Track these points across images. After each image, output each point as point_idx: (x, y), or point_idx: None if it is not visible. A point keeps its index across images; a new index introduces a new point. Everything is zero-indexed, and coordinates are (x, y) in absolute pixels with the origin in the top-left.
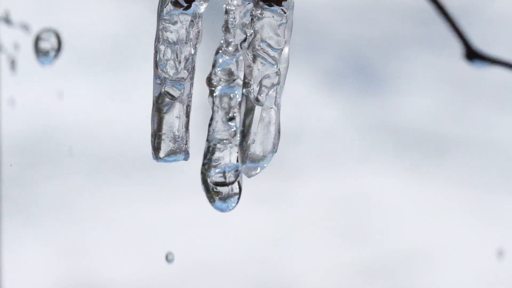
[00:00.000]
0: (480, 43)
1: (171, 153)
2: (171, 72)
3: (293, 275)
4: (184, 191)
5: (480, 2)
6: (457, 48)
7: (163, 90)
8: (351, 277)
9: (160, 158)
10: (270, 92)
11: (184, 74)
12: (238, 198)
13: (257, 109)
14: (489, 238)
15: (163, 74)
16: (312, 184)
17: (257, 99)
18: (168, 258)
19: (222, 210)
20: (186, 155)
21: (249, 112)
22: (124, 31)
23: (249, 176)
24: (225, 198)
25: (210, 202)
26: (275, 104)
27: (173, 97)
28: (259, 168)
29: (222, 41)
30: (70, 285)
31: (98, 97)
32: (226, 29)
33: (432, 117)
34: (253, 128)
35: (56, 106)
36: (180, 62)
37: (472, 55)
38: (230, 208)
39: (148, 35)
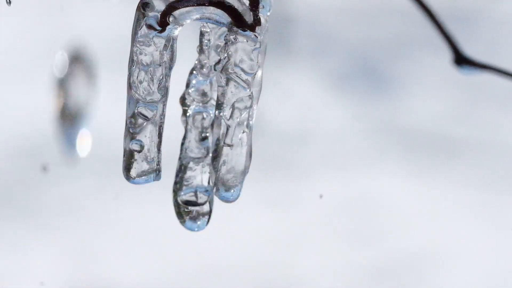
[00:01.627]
0: (486, 45)
1: (143, 174)
2: (144, 94)
3: (301, 277)
4: None
5: (487, 3)
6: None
7: (136, 111)
8: (359, 279)
9: (132, 178)
10: (242, 115)
11: (157, 96)
12: (208, 219)
13: (230, 131)
14: (497, 239)
15: (136, 95)
16: (320, 186)
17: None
18: None
19: (191, 229)
20: (158, 176)
21: (220, 139)
22: (126, 34)
23: (228, 202)
24: (195, 218)
25: (180, 222)
26: (247, 127)
27: (146, 118)
28: (232, 196)
29: (196, 62)
30: None
31: (106, 99)
32: (201, 50)
33: (440, 119)
34: (225, 150)
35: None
36: (153, 84)
37: (461, 60)
38: (200, 228)
39: None
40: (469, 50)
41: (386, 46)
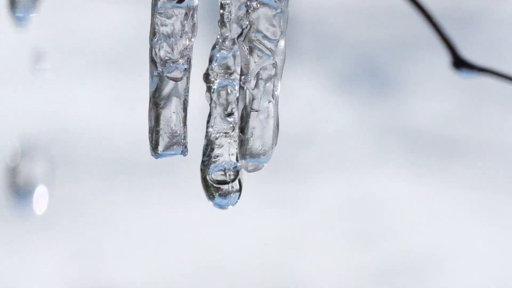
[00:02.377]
0: (486, 47)
1: (169, 146)
2: (169, 62)
3: (305, 278)
4: (195, 195)
5: (488, 5)
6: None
7: (165, 74)
8: (363, 280)
9: (158, 153)
10: (267, 85)
11: (182, 62)
12: (239, 195)
13: (255, 102)
14: (501, 240)
15: (161, 60)
16: (324, 187)
17: (252, 108)
18: None
19: (222, 206)
20: (185, 150)
21: (247, 106)
22: (134, 35)
23: (249, 171)
24: (225, 195)
25: (210, 199)
26: (272, 97)
27: (176, 79)
28: (260, 164)
29: (218, 36)
30: None
31: (110, 100)
32: (222, 23)
33: (443, 120)
34: (252, 122)
35: (68, 110)
36: (176, 55)
37: (459, 63)
38: (231, 204)
39: None
40: (470, 52)
41: (390, 47)
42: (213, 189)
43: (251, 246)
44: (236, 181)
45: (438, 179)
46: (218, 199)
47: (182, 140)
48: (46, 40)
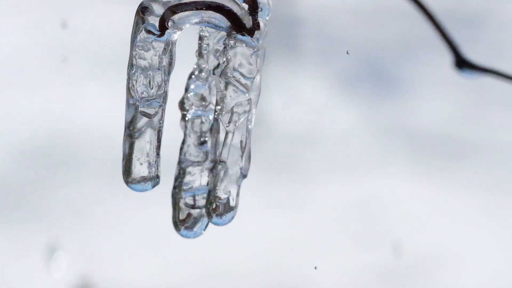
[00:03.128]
0: (490, 47)
1: (141, 180)
2: (144, 96)
3: (309, 279)
4: None
5: (491, 6)
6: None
7: (139, 109)
8: (366, 281)
9: (130, 182)
10: (241, 119)
11: (156, 98)
12: (206, 225)
13: (229, 136)
14: (506, 241)
15: (137, 96)
16: (328, 188)
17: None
18: None
19: (187, 237)
20: (157, 180)
21: (220, 137)
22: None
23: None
24: (191, 227)
25: (176, 229)
26: (246, 130)
27: (149, 115)
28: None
29: (195, 66)
30: None
31: (114, 101)
32: (200, 54)
33: (448, 121)
34: (224, 153)
35: (71, 111)
36: (152, 88)
37: (462, 63)
38: (196, 235)
39: None
40: (472, 52)
41: (394, 48)
42: (178, 221)
43: (255, 247)
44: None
45: (442, 179)
46: (183, 231)
47: (155, 171)
48: (51, 42)
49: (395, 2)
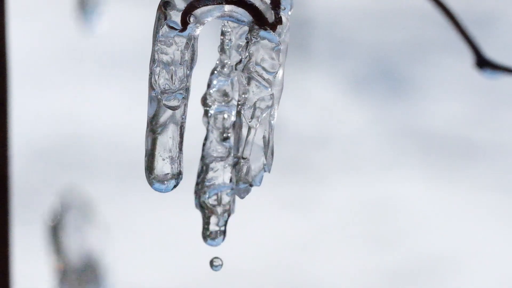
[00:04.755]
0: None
1: (163, 178)
2: (167, 87)
3: (320, 280)
4: None
5: (506, 6)
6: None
7: (163, 102)
8: (378, 281)
9: (153, 179)
10: (264, 115)
11: (179, 92)
12: (223, 237)
13: (251, 131)
14: None
15: (159, 89)
16: (339, 189)
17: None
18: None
19: (211, 245)
20: (180, 177)
21: (243, 133)
22: (148, 37)
23: (241, 197)
24: (214, 238)
25: (203, 236)
26: (269, 126)
27: (173, 108)
28: (251, 189)
29: (217, 62)
30: None
31: (125, 103)
32: (222, 50)
33: (459, 122)
34: (247, 150)
35: (82, 112)
36: (174, 82)
37: (483, 63)
38: (215, 244)
39: None
40: (490, 53)
41: (405, 49)
42: (205, 223)
43: (266, 247)
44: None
45: (453, 181)
46: (209, 241)
47: (178, 167)
48: (59, 44)
49: (407, 3)
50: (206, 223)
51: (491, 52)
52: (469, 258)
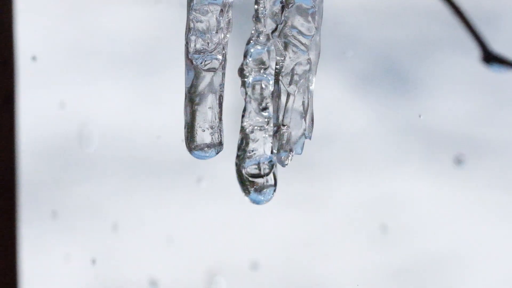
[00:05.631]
0: (508, 44)
1: (205, 146)
2: (204, 56)
3: (324, 279)
4: (215, 195)
5: (509, 2)
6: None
7: (200, 66)
8: (382, 281)
9: (193, 149)
10: (302, 80)
11: (217, 52)
12: (274, 190)
13: (290, 98)
14: None
15: (197, 54)
16: (343, 187)
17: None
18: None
19: (257, 202)
20: (220, 146)
21: (282, 101)
22: (155, 35)
23: (283, 165)
24: (260, 190)
25: (245, 194)
26: (308, 91)
27: (213, 69)
28: (292, 154)
29: (253, 31)
30: None
31: (130, 100)
32: (257, 18)
33: (464, 120)
34: (287, 117)
35: (88, 110)
36: (212, 51)
37: (490, 58)
38: (266, 200)
39: (180, 39)
40: (497, 47)
41: (410, 47)
42: (248, 184)
43: (271, 246)
44: (271, 175)
45: (459, 179)
46: (253, 195)
47: (218, 136)
48: (65, 41)
49: (413, 0)
50: (247, 188)
51: (498, 47)
52: (476, 257)
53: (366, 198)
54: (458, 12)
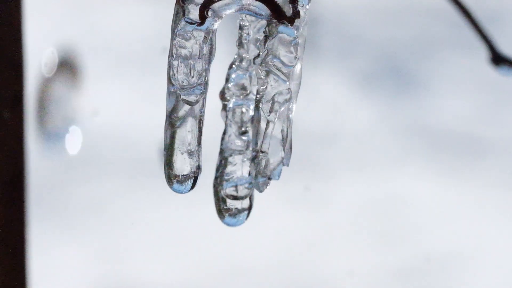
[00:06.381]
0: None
1: (182, 179)
2: (186, 82)
3: (327, 278)
4: None
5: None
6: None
7: (181, 98)
8: (386, 280)
9: (173, 177)
10: (282, 108)
11: (198, 86)
12: (248, 214)
13: (270, 125)
14: None
15: (178, 84)
16: (347, 187)
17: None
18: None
19: (231, 225)
20: (198, 171)
21: (261, 126)
22: (158, 34)
23: (260, 191)
24: (235, 214)
25: (220, 217)
26: (287, 119)
27: (191, 103)
28: (269, 182)
29: (235, 56)
30: None
31: (133, 100)
32: (240, 44)
33: (468, 119)
34: (265, 143)
35: (91, 109)
36: (193, 77)
37: (499, 60)
38: (240, 223)
39: None
40: (505, 49)
41: (413, 46)
42: (223, 209)
43: (273, 246)
44: (247, 199)
45: (462, 178)
46: (228, 219)
47: (196, 160)
48: (70, 40)
49: (414, 0)
50: (222, 213)
51: (506, 49)
52: (479, 256)
53: (369, 197)
54: (466, 13)
